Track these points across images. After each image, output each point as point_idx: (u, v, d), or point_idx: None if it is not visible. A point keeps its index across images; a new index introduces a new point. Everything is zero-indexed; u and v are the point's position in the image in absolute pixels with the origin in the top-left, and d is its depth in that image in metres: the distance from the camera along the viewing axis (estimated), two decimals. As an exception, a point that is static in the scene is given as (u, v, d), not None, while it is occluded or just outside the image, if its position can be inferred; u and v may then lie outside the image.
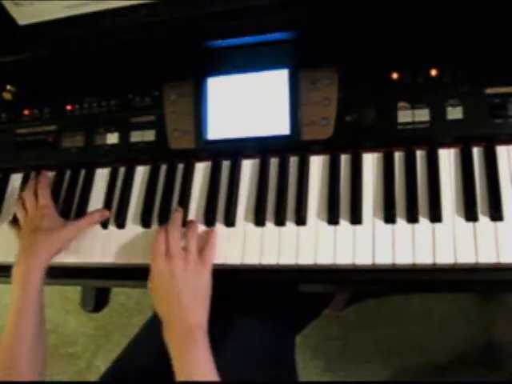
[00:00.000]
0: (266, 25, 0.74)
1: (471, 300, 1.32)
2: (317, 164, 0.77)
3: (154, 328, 0.75)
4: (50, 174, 0.91)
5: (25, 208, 0.84)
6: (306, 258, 0.71)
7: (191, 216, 0.79)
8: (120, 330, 1.57)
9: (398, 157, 0.74)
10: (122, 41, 0.79)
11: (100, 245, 0.82)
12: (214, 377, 0.65)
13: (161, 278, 0.71)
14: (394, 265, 0.68)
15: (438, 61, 0.73)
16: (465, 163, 0.71)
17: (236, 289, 0.83)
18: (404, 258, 0.68)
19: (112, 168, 0.87)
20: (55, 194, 0.88)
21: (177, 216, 0.77)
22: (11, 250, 0.86)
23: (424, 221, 0.69)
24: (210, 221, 0.77)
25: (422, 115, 0.72)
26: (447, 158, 0.72)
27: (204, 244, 0.75)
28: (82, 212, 0.85)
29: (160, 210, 0.81)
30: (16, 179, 0.93)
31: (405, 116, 0.73)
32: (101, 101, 0.88)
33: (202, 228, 0.78)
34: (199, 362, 0.66)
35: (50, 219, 0.81)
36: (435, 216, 0.68)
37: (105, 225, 0.83)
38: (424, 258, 0.67)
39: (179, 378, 0.66)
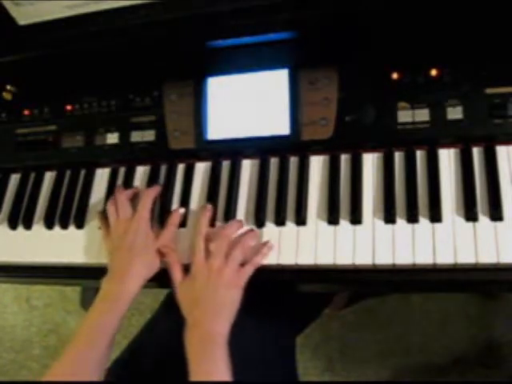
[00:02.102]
0: (266, 25, 0.74)
1: (471, 300, 1.32)
2: (317, 164, 0.77)
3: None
4: (50, 174, 0.91)
5: (118, 211, 0.78)
6: (306, 258, 0.71)
7: (191, 216, 0.79)
8: (120, 330, 1.57)
9: (398, 157, 0.74)
10: (122, 41, 0.79)
11: (101, 245, 0.81)
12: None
13: (196, 277, 0.71)
14: (394, 265, 0.68)
15: (438, 61, 0.73)
16: (465, 163, 0.71)
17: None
18: (404, 258, 0.68)
19: (112, 168, 0.87)
20: (55, 194, 0.88)
21: (231, 225, 0.74)
22: (11, 250, 0.86)
23: (424, 221, 0.69)
24: (209, 221, 0.77)
25: (422, 115, 0.72)
26: (447, 158, 0.72)
27: (251, 256, 0.72)
28: (82, 212, 0.85)
29: (160, 210, 0.81)
30: (16, 179, 0.93)
31: (405, 116, 0.73)
32: (101, 101, 0.88)
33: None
34: (216, 373, 0.65)
35: (144, 235, 0.76)
36: (435, 216, 0.68)
37: (105, 225, 0.83)
38: (424, 258, 0.67)
39: (194, 379, 0.66)
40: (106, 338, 0.70)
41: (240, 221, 0.76)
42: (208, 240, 0.73)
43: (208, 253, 0.72)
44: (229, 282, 0.70)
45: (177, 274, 0.73)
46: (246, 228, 0.75)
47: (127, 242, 0.75)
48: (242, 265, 0.72)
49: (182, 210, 0.79)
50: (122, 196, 0.79)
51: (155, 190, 0.80)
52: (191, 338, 0.69)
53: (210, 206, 0.77)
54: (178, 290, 0.73)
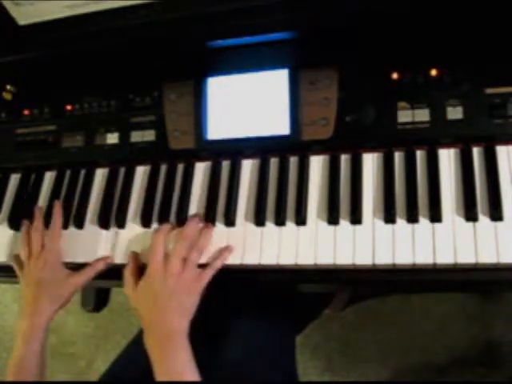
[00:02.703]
0: (266, 25, 0.74)
1: (471, 300, 1.32)
2: (317, 164, 0.77)
3: None
4: (50, 174, 0.91)
5: (30, 247, 0.80)
6: (306, 258, 0.71)
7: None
8: (120, 330, 1.58)
9: (398, 157, 0.74)
10: (122, 41, 0.79)
11: (100, 245, 0.81)
12: (195, 376, 0.65)
13: (153, 279, 0.70)
14: (394, 265, 0.68)
15: (438, 61, 0.73)
16: (465, 163, 0.71)
17: (236, 289, 0.83)
18: (404, 258, 0.68)
19: (112, 168, 0.87)
20: (55, 194, 0.88)
21: (191, 226, 0.74)
22: (11, 250, 0.86)
23: (424, 221, 0.69)
24: (209, 221, 0.77)
25: (422, 115, 0.72)
26: (447, 158, 0.72)
27: (211, 259, 0.73)
28: (81, 212, 0.85)
29: (160, 210, 0.81)
30: (16, 179, 0.93)
31: (405, 116, 0.73)
32: (101, 101, 0.88)
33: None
34: (178, 364, 0.66)
35: (52, 269, 0.78)
36: (435, 216, 0.68)
37: (105, 225, 0.82)
38: (424, 258, 0.67)
39: (159, 380, 0.66)
40: (29, 372, 0.73)
41: (196, 217, 0.76)
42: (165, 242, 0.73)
43: (166, 255, 0.72)
44: (187, 287, 0.70)
45: (129, 279, 0.74)
46: (201, 225, 0.75)
47: (35, 278, 0.77)
48: (202, 266, 0.72)
49: (109, 261, 0.79)
50: (36, 233, 0.80)
51: (58, 215, 0.81)
52: (148, 339, 0.69)
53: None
54: (134, 293, 0.72)
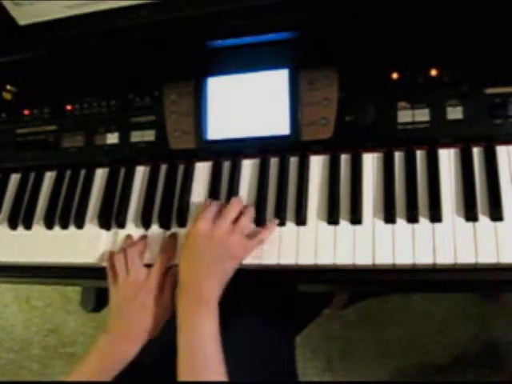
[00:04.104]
0: (266, 25, 0.74)
1: (471, 300, 1.32)
2: (317, 164, 0.77)
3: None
4: (50, 174, 0.91)
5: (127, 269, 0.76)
6: (306, 258, 0.71)
7: (191, 216, 0.79)
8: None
9: (398, 157, 0.74)
10: (122, 41, 0.79)
11: (100, 245, 0.81)
12: (218, 357, 0.65)
13: (197, 239, 0.70)
14: (394, 265, 0.68)
15: (438, 61, 0.73)
16: (465, 163, 0.71)
17: (236, 289, 0.83)
18: (404, 258, 0.68)
19: (112, 168, 0.87)
20: (55, 194, 0.88)
21: (237, 202, 0.74)
22: (11, 250, 0.86)
23: (424, 221, 0.69)
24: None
25: (422, 115, 0.72)
26: (447, 158, 0.72)
27: (255, 233, 0.73)
28: (82, 212, 0.85)
29: (160, 210, 0.81)
30: (16, 179, 0.93)
31: (405, 116, 0.73)
32: (101, 101, 0.88)
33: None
34: (202, 336, 0.65)
35: (154, 298, 0.74)
36: (435, 216, 0.68)
37: (105, 225, 0.83)
38: (424, 257, 0.67)
39: (180, 347, 0.65)
40: None
41: (240, 200, 0.76)
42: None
43: (214, 222, 0.71)
44: (232, 252, 0.70)
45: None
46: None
47: (140, 300, 0.73)
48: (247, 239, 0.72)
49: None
50: (134, 253, 0.76)
51: (170, 253, 0.77)
52: (182, 295, 0.68)
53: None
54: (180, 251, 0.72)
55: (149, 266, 0.76)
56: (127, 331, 0.73)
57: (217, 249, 0.70)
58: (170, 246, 0.77)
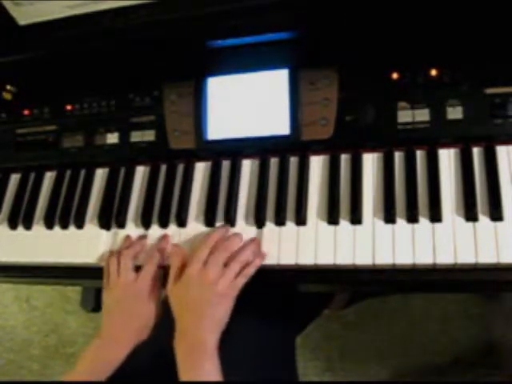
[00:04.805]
0: (266, 25, 0.74)
1: (471, 300, 1.32)
2: (317, 164, 0.77)
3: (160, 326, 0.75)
4: (50, 174, 0.91)
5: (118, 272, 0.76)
6: (306, 258, 0.71)
7: (191, 216, 0.79)
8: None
9: (398, 157, 0.74)
10: (122, 41, 0.79)
11: (100, 245, 0.81)
12: None
13: (190, 283, 0.70)
14: (394, 265, 0.68)
15: (438, 61, 0.73)
16: (465, 163, 0.71)
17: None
18: (404, 258, 0.68)
19: (112, 168, 0.87)
20: (55, 194, 0.88)
21: (234, 239, 0.74)
22: (11, 250, 0.86)
23: (424, 221, 0.69)
24: (209, 221, 0.77)
25: (422, 115, 0.72)
26: (447, 158, 0.72)
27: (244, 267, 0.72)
28: (82, 212, 0.85)
29: (160, 210, 0.81)
30: (16, 179, 0.93)
31: (405, 116, 0.73)
32: (101, 101, 0.88)
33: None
34: (205, 377, 0.65)
35: (143, 300, 0.74)
36: (435, 216, 0.68)
37: (105, 225, 0.83)
38: (424, 257, 0.67)
39: None
40: None
41: (240, 235, 0.75)
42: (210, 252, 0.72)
43: (205, 263, 0.71)
44: (223, 293, 0.69)
45: (172, 277, 0.73)
46: (245, 239, 0.75)
47: (127, 304, 0.74)
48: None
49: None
50: (127, 256, 0.76)
51: (158, 255, 0.76)
52: (180, 344, 0.69)
53: (227, 228, 0.76)
54: (171, 292, 0.72)
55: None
56: (116, 335, 0.74)
57: (208, 293, 0.69)
58: (160, 248, 0.77)
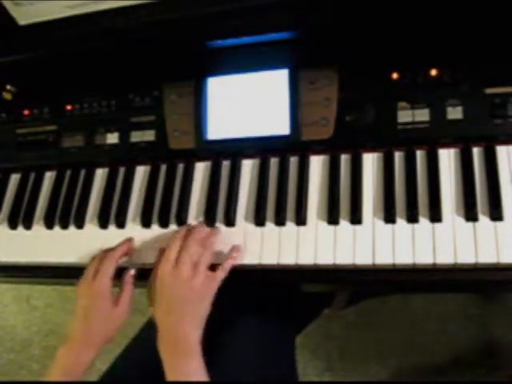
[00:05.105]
0: (266, 25, 0.74)
1: (471, 300, 1.32)
2: (317, 164, 0.77)
3: (152, 329, 0.75)
4: (50, 174, 0.91)
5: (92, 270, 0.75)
6: (306, 258, 0.71)
7: (191, 216, 0.79)
8: (120, 330, 1.57)
9: (398, 157, 0.74)
10: (122, 41, 0.79)
11: (100, 245, 0.81)
12: None
13: (164, 283, 0.70)
14: (394, 265, 0.68)
15: (438, 61, 0.73)
16: (465, 163, 0.71)
17: (236, 289, 0.83)
18: (404, 257, 0.68)
19: (112, 168, 0.87)
20: (55, 194, 0.88)
21: (200, 230, 0.74)
22: (11, 250, 0.86)
23: (424, 221, 0.69)
24: (210, 221, 0.77)
25: (422, 115, 0.72)
26: (447, 158, 0.72)
27: (221, 260, 0.72)
28: (82, 212, 0.85)
29: (160, 210, 0.81)
30: (16, 179, 0.93)
31: (405, 116, 0.73)
32: (101, 101, 0.88)
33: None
34: (189, 374, 0.65)
35: (101, 304, 0.74)
36: (435, 216, 0.68)
37: (105, 225, 0.83)
38: (424, 257, 0.67)
39: None
40: None
41: (202, 224, 0.76)
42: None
43: (177, 261, 0.70)
44: (199, 292, 0.69)
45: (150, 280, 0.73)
46: (208, 229, 0.75)
47: (82, 310, 0.75)
48: (213, 269, 0.71)
49: (133, 272, 0.77)
50: (107, 262, 0.74)
51: (120, 251, 0.76)
52: (163, 343, 0.68)
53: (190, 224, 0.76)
54: (148, 296, 0.72)
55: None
56: (80, 341, 0.73)
57: (184, 291, 0.69)
58: (125, 248, 0.77)
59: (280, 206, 0.75)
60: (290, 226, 0.74)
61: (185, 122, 0.82)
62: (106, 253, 0.76)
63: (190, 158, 0.83)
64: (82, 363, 0.71)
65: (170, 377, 0.66)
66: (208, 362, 0.67)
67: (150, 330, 0.87)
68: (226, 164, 0.81)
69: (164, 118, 0.83)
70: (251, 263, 0.73)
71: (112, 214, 0.83)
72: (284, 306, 0.88)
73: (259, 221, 0.75)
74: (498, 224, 0.66)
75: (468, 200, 0.68)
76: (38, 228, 0.87)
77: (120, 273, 0.76)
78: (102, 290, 0.73)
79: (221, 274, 0.71)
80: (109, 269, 0.74)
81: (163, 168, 0.84)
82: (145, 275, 0.74)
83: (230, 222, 0.76)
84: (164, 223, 0.80)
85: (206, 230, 0.75)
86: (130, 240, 0.79)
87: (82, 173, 0.89)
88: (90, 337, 0.73)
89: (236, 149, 0.81)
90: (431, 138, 0.72)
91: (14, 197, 0.91)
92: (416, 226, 0.69)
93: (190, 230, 0.74)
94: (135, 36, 0.78)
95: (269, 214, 0.76)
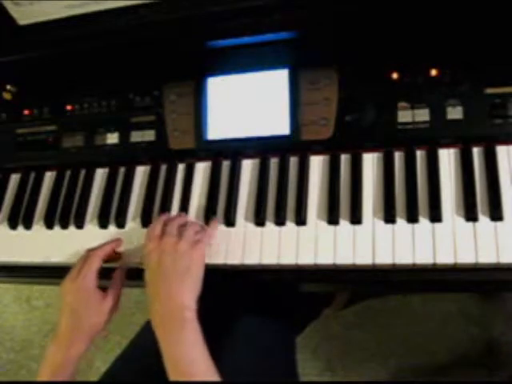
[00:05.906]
0: (266, 25, 0.74)
1: (471, 300, 1.32)
2: (317, 164, 0.77)
3: (152, 329, 0.75)
4: (50, 174, 0.91)
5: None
6: (306, 258, 0.71)
7: (191, 216, 0.79)
8: (120, 330, 1.57)
9: (398, 157, 0.74)
10: (122, 41, 0.79)
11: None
12: (206, 361, 0.63)
13: (150, 258, 0.70)
14: (394, 265, 0.68)
15: (438, 61, 0.73)
16: (465, 163, 0.71)
17: (236, 289, 0.83)
18: (404, 257, 0.68)
19: (112, 168, 0.87)
20: (55, 194, 0.88)
21: (182, 214, 0.78)
22: (11, 250, 0.86)
23: (424, 221, 0.69)
24: (210, 221, 0.77)
25: (422, 115, 0.72)
26: (447, 158, 0.72)
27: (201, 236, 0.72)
28: (82, 212, 0.85)
29: (160, 210, 0.81)
30: (16, 179, 0.93)
31: (405, 116, 0.73)
32: (101, 101, 0.88)
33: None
34: (187, 345, 0.64)
35: (87, 297, 0.73)
36: (435, 216, 0.68)
37: (105, 225, 0.83)
38: (424, 257, 0.67)
39: (167, 363, 0.64)
40: None
41: (183, 214, 0.79)
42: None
43: (162, 234, 0.71)
44: (185, 252, 0.68)
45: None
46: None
47: (69, 305, 0.73)
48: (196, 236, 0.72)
49: (124, 266, 0.77)
50: (90, 259, 0.74)
51: (104, 250, 0.76)
52: (155, 318, 0.67)
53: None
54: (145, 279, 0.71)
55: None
56: (66, 338, 0.72)
57: (169, 262, 0.68)
58: (109, 247, 0.77)
59: (280, 205, 0.75)
60: (290, 226, 0.74)
61: (185, 122, 0.82)
62: (90, 251, 0.76)
63: (190, 158, 0.83)
64: (73, 357, 0.71)
65: (166, 353, 0.64)
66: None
67: (150, 331, 0.88)
68: (226, 164, 0.81)
69: (164, 118, 0.84)
70: (251, 263, 0.73)
71: (112, 214, 0.83)
72: (284, 306, 0.88)
73: (259, 221, 0.75)
74: (498, 224, 0.66)
75: (468, 200, 0.68)
76: (38, 228, 0.87)
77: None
78: (87, 285, 0.73)
79: (202, 245, 0.71)
80: (92, 265, 0.73)
81: (163, 168, 0.84)
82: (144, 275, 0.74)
83: (229, 221, 0.77)
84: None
85: (187, 217, 0.76)
86: (117, 240, 0.79)
87: (82, 173, 0.89)
88: (78, 331, 0.72)
89: (236, 149, 0.81)
90: (431, 138, 0.72)
91: (13, 197, 0.91)
92: (416, 226, 0.69)
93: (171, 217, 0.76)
94: (135, 36, 0.78)
95: (269, 214, 0.76)
